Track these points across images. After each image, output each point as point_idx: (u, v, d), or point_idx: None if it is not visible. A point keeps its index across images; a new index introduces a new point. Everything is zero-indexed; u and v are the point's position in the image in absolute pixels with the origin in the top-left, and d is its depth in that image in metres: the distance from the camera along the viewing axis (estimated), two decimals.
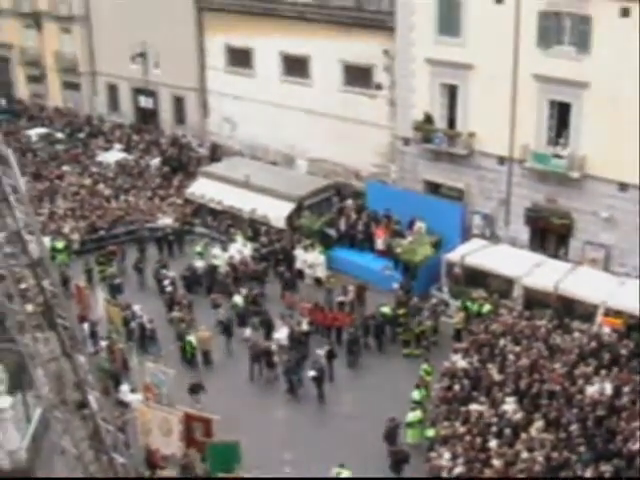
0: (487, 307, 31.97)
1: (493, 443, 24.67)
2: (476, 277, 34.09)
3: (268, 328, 32.79)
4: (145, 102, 52.40)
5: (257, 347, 30.41)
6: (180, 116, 51.09)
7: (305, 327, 32.34)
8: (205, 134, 50.06)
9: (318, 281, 36.84)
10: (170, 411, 26.41)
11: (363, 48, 40.84)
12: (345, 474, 24.81)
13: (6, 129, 48.75)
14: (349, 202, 40.43)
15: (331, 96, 42.87)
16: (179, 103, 50.77)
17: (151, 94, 51.77)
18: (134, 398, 28.15)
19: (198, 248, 38.58)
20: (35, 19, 54.98)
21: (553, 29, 33.69)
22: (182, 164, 47.75)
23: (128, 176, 46.61)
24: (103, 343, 31.33)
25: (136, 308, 33.34)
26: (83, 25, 53.42)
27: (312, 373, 29.71)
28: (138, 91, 52.40)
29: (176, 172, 47.03)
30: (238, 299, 34.39)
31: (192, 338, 31.73)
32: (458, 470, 24.04)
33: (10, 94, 57.85)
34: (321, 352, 30.73)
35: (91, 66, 54.21)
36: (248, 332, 33.04)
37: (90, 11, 53.09)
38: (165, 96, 51.17)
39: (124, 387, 29.00)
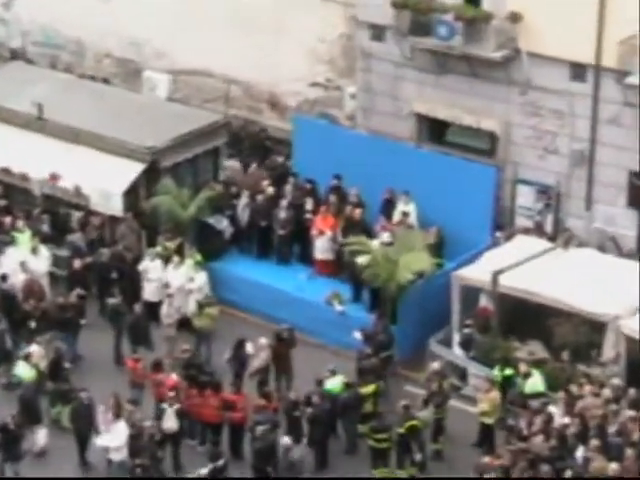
0: (539, 386, 31.57)
1: None
2: (525, 317, 33.70)
3: (87, 427, 31.59)
4: None
5: None
6: None
7: (171, 424, 31.60)
8: None
9: (186, 324, 35.66)
10: None
11: None
12: None
13: None
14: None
15: None
16: None
17: None
18: None
19: None
20: None
21: None
22: None
23: None
24: None
25: None
26: None
27: None
28: None
29: None
30: (23, 368, 32.76)
31: None
32: None
33: None
34: (204, 471, 30.55)
35: None
36: (43, 437, 31.98)
37: None
38: None
39: None
